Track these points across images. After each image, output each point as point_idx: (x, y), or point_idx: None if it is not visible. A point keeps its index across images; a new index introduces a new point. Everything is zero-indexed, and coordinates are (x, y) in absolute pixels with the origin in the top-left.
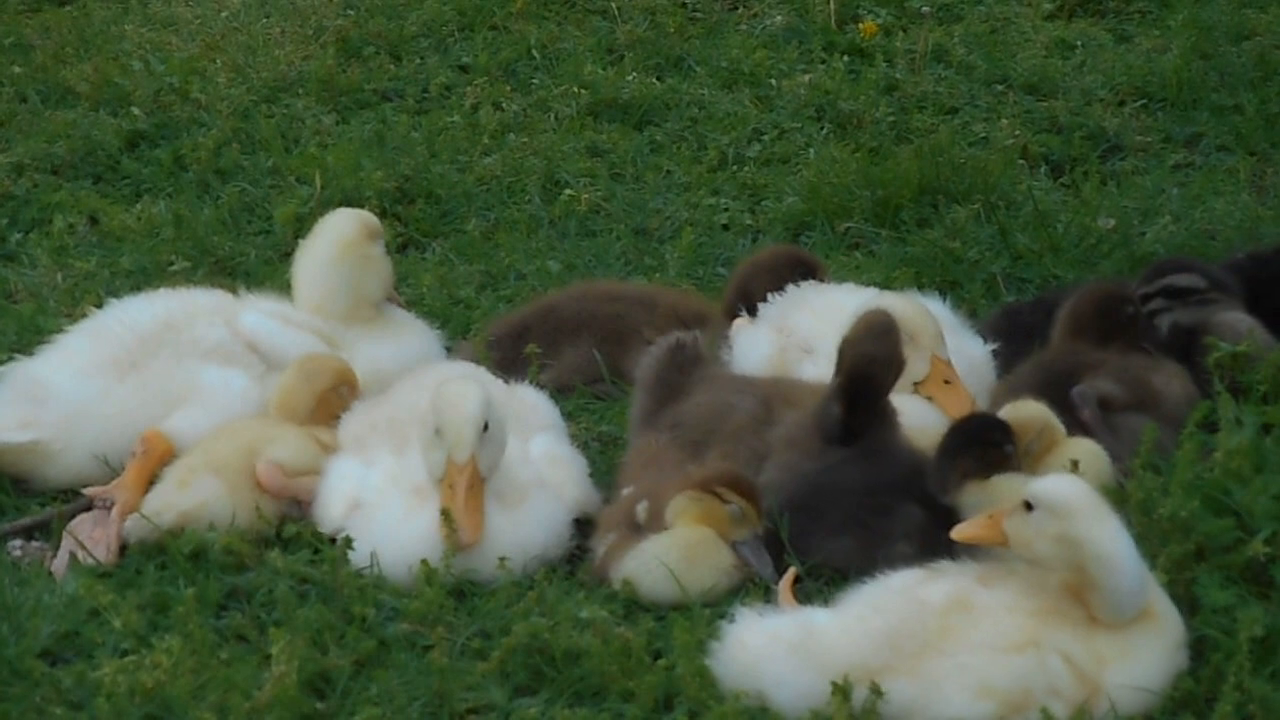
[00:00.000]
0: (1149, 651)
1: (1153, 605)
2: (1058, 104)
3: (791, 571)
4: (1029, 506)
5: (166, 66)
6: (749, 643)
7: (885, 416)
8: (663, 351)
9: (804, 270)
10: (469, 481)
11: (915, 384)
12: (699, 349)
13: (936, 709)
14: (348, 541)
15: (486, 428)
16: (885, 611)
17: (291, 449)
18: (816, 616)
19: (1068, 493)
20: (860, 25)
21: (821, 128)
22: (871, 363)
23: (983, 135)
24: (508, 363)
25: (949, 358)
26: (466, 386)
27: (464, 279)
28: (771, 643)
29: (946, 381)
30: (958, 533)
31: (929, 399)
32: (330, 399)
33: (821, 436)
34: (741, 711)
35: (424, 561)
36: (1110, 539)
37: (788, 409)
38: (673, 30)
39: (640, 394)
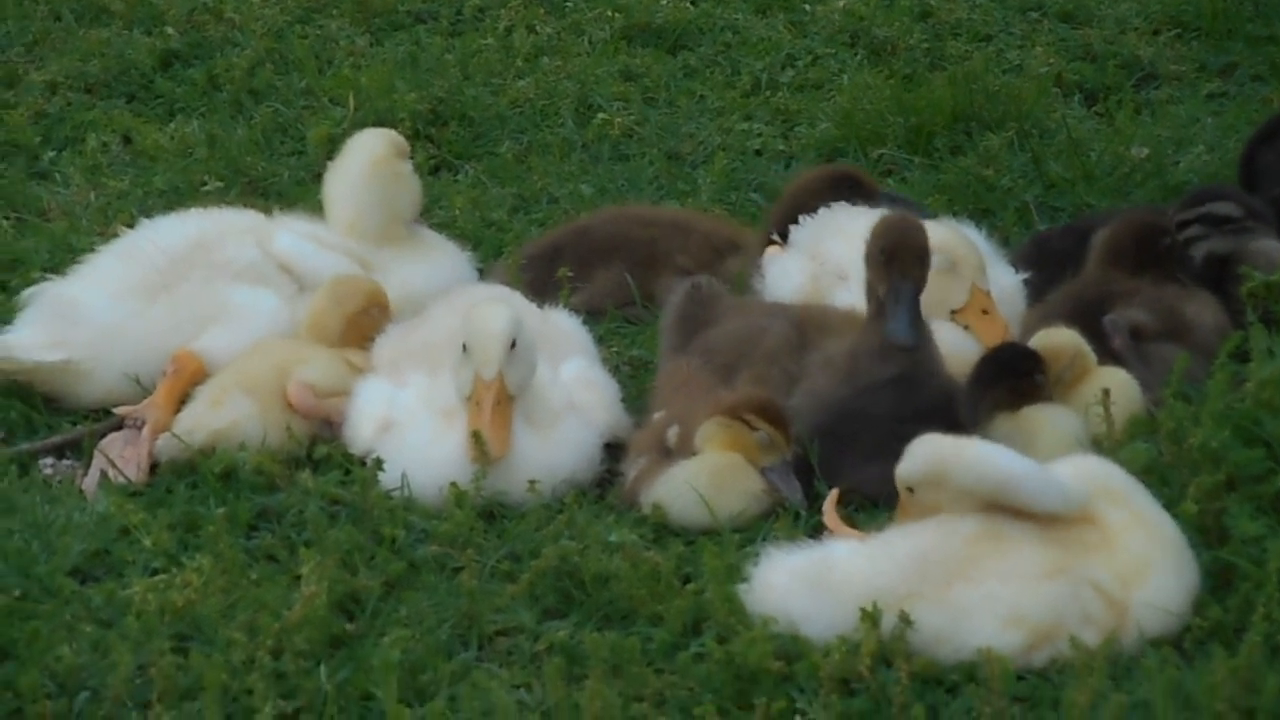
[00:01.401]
0: (1163, 560)
1: (1142, 511)
2: (1092, 32)
3: (834, 494)
4: (910, 491)
5: None
6: (774, 582)
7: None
8: (680, 297)
9: (856, 189)
10: (496, 397)
11: (953, 312)
12: (715, 289)
13: (964, 638)
14: (378, 463)
15: (515, 346)
16: (914, 536)
17: (323, 369)
18: (839, 548)
19: (924, 460)
20: None
21: (855, 54)
22: (903, 231)
23: (1016, 63)
24: (539, 285)
25: (989, 288)
26: (495, 306)
27: (496, 202)
28: (795, 579)
29: (985, 311)
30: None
31: (965, 327)
32: (361, 321)
33: (877, 338)
34: (770, 637)
35: (453, 484)
36: (990, 463)
37: (820, 334)
38: None
39: (665, 335)
